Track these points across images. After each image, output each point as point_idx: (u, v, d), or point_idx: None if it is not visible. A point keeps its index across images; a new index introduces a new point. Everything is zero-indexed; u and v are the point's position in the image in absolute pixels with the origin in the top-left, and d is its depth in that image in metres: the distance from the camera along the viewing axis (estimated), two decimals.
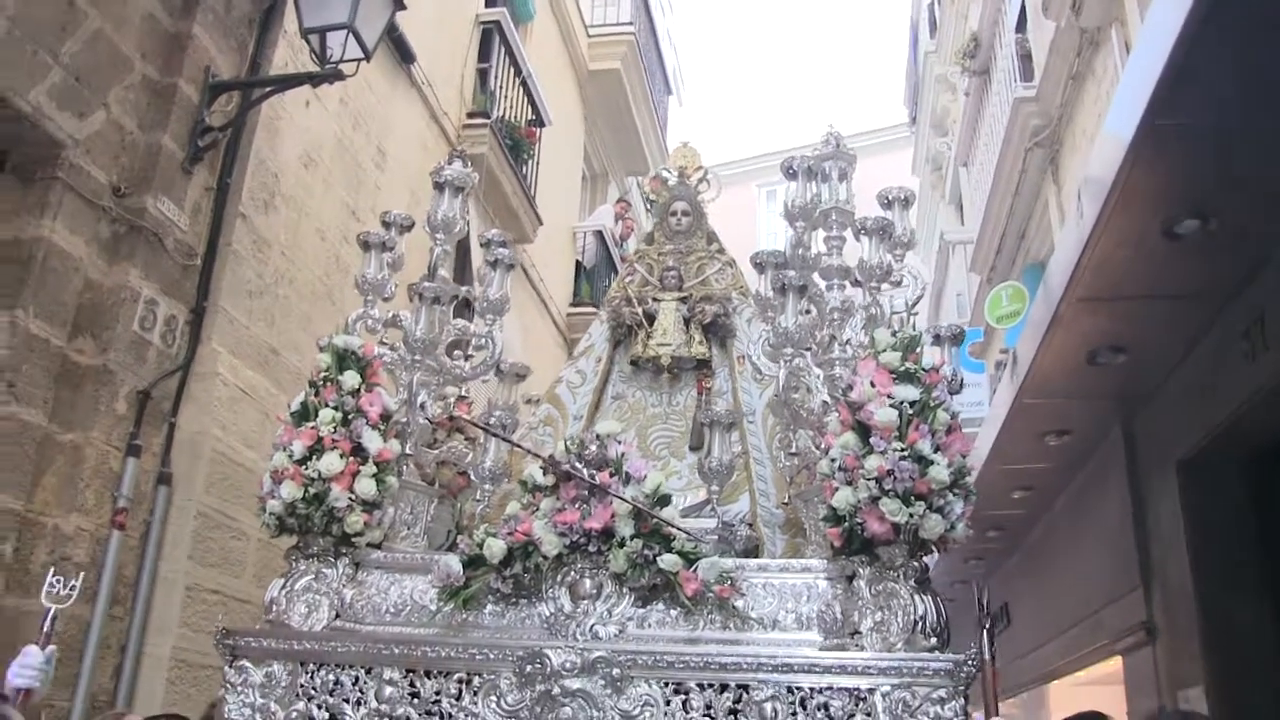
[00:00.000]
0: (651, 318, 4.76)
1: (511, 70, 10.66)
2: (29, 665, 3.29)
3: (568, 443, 3.67)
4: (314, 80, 5.94)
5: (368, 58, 6.05)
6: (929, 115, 19.03)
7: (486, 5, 10.84)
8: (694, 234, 5.07)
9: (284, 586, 3.64)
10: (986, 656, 3.12)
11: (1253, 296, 4.90)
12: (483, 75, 10.16)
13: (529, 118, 11.04)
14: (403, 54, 8.15)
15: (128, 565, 5.07)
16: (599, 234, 13.86)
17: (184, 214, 5.59)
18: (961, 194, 15.73)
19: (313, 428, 3.61)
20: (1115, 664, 8.05)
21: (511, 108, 10.57)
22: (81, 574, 3.66)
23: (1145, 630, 6.93)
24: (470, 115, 9.70)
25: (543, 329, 11.80)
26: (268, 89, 6.09)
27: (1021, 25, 11.34)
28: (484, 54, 10.22)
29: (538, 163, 11.23)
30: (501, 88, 10.33)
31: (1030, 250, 11.57)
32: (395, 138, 8.07)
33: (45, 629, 3.39)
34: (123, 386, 5.12)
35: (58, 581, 3.49)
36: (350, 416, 3.64)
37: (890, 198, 4.03)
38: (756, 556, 3.91)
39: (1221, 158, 4.07)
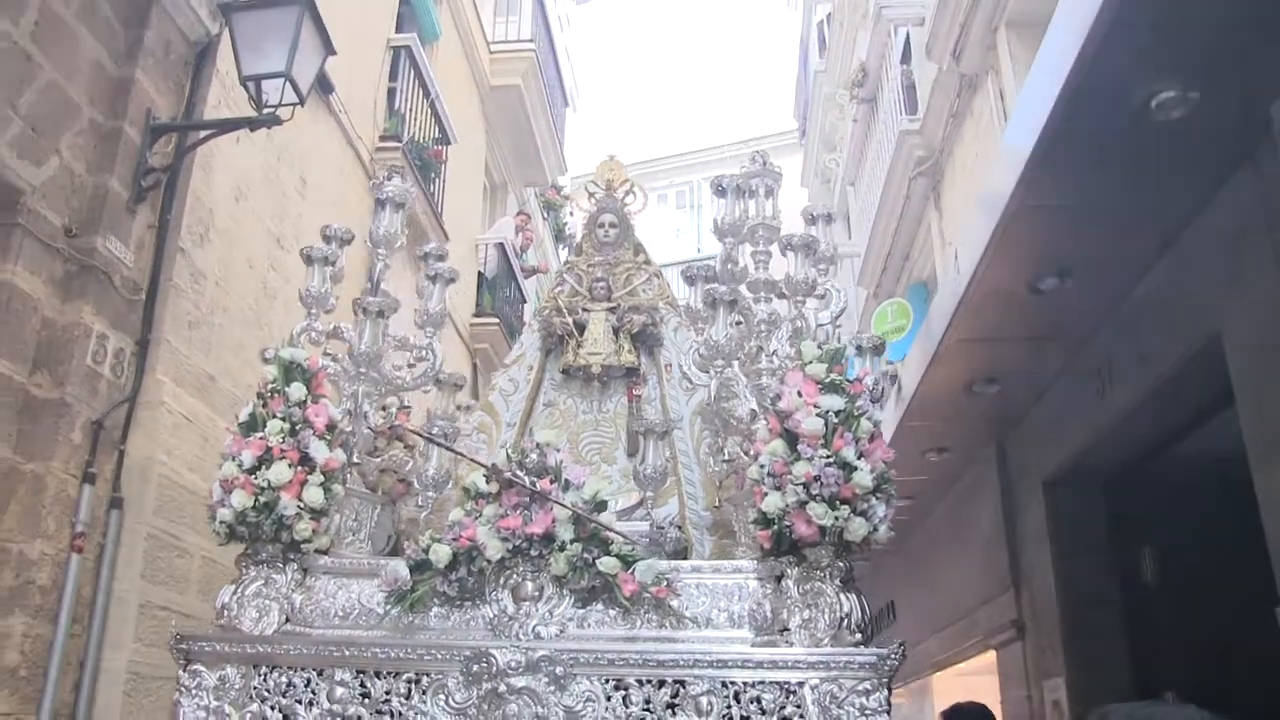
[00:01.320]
0: (582, 327, 4.89)
1: (420, 91, 10.87)
2: None
3: (509, 451, 3.81)
4: (252, 125, 6.18)
5: (302, 103, 6.31)
6: (818, 131, 19.51)
7: (397, 30, 11.09)
8: (621, 245, 5.20)
9: (235, 592, 3.72)
10: None
11: (1102, 342, 5.64)
12: (391, 94, 10.34)
13: (435, 136, 11.26)
14: (323, 85, 8.40)
15: (85, 585, 5.32)
16: (500, 246, 14.06)
17: (130, 251, 5.75)
18: (849, 209, 16.27)
19: (261, 438, 3.69)
20: (990, 657, 8.77)
21: (420, 128, 10.78)
22: None
23: (1015, 628, 7.73)
24: (383, 138, 9.85)
25: (448, 340, 12.09)
26: (207, 133, 6.36)
27: (907, 58, 11.89)
28: (393, 74, 10.43)
29: (444, 180, 11.46)
30: (410, 109, 10.52)
31: (914, 270, 12.23)
32: (315, 165, 8.29)
33: None
34: (78, 417, 5.33)
35: None
36: (297, 427, 3.74)
37: (814, 214, 4.26)
38: (685, 557, 4.08)
39: (1080, 229, 4.71)
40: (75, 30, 5.56)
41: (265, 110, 6.12)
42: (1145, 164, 4.22)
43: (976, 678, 9.64)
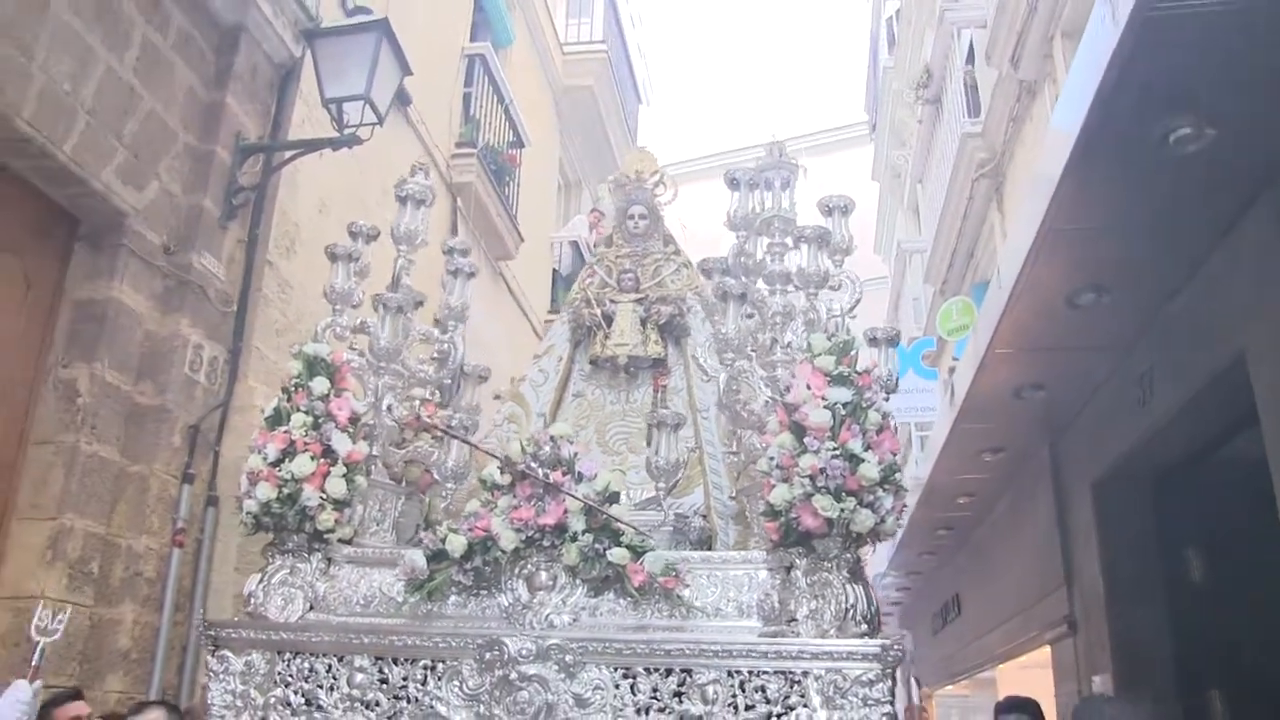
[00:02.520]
0: (610, 318, 4.93)
1: (494, 97, 11.22)
2: (19, 700, 3.48)
3: (524, 443, 3.84)
4: (334, 145, 6.59)
5: (381, 123, 6.72)
6: (888, 125, 19.52)
7: (471, 37, 11.43)
8: (651, 236, 5.22)
9: (261, 581, 3.82)
10: (915, 701, 3.60)
11: (1142, 351, 5.80)
12: (466, 100, 10.72)
13: (509, 139, 11.61)
14: (400, 98, 8.78)
15: (185, 577, 5.79)
16: (574, 244, 14.32)
17: (222, 265, 6.28)
18: (919, 205, 16.37)
19: (285, 431, 3.79)
20: (1047, 651, 8.96)
21: (494, 132, 11.14)
22: (69, 609, 4.17)
23: (1068, 624, 7.92)
24: (458, 145, 10.30)
25: (524, 335, 12.37)
26: (292, 153, 6.77)
27: (971, 59, 11.98)
28: (467, 80, 10.80)
29: (518, 183, 11.81)
30: (485, 115, 10.90)
31: (979, 269, 12.32)
32: (394, 175, 8.70)
33: (35, 663, 3.57)
34: (178, 422, 5.81)
35: (46, 616, 3.67)
36: (320, 420, 3.82)
37: (830, 206, 4.20)
38: (710, 546, 4.14)
39: (1111, 249, 4.92)
40: (171, 60, 6.02)
41: (346, 130, 6.49)
42: (1167, 193, 4.38)
43: (1039, 670, 9.62)
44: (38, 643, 3.62)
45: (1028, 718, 5.92)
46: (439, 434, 4.30)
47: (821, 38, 50.45)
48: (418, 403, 4.54)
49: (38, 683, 3.56)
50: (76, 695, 4.31)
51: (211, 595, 5.87)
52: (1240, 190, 4.41)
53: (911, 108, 15.80)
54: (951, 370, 11.61)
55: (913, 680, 3.55)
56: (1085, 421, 7.15)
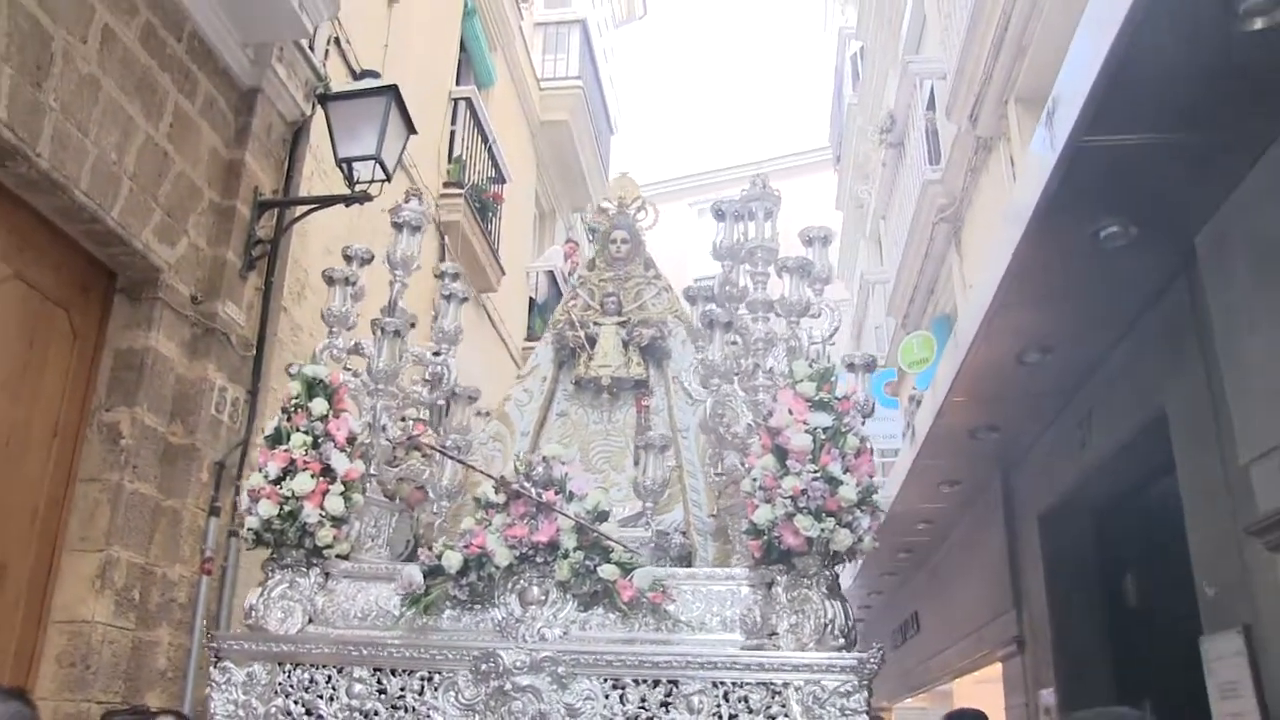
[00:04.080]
0: (593, 340, 5.06)
1: (479, 137, 11.70)
2: None
3: (516, 464, 4.00)
4: (347, 201, 7.04)
5: (388, 179, 7.25)
6: (852, 159, 20.09)
7: (457, 78, 11.89)
8: (633, 260, 5.35)
9: (261, 594, 3.94)
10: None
11: (1082, 402, 6.52)
12: (450, 138, 11.20)
13: (491, 176, 12.07)
14: None
15: (213, 602, 6.18)
16: (550, 273, 14.84)
17: (242, 313, 6.70)
18: (881, 239, 16.96)
19: (286, 450, 3.91)
20: (998, 667, 9.64)
21: (478, 170, 11.59)
22: None
23: (1017, 643, 8.66)
24: (446, 185, 10.73)
25: (503, 361, 12.61)
26: (307, 208, 7.26)
27: (932, 104, 12.53)
28: (453, 119, 11.30)
29: (500, 217, 12.27)
30: (470, 154, 11.37)
31: (939, 304, 12.95)
32: (388, 216, 9.27)
33: None
34: (205, 459, 6.24)
35: None
36: (319, 440, 3.94)
37: (811, 236, 4.38)
38: (689, 562, 4.26)
39: (1055, 318, 5.59)
40: (198, 124, 6.49)
41: (357, 187, 6.98)
42: (1099, 276, 5.11)
43: (992, 684, 10.42)
44: None
45: None
46: (435, 454, 4.42)
47: (787, 64, 51.49)
48: (409, 423, 4.67)
49: None
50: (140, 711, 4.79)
51: (235, 618, 6.28)
52: (1158, 275, 5.17)
53: (875, 145, 16.37)
54: (911, 399, 12.27)
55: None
56: (1033, 459, 7.87)
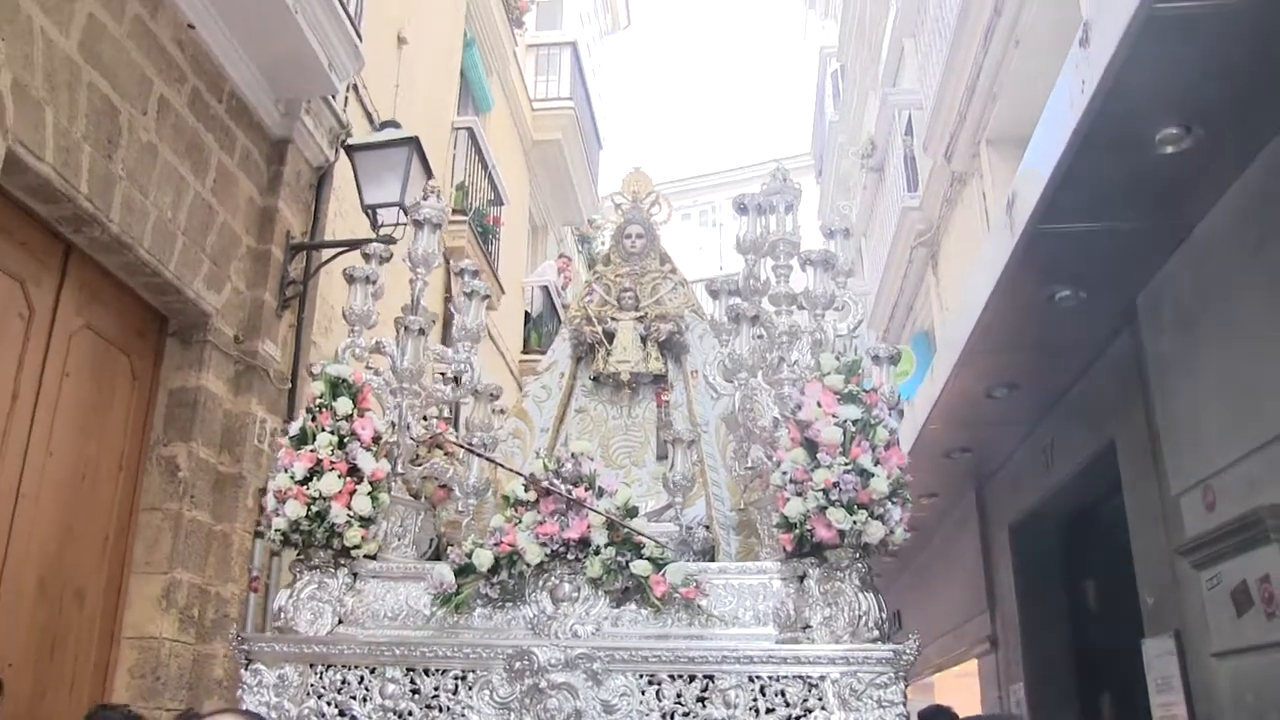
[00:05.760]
0: (610, 336, 5.00)
1: (479, 164, 12.21)
2: None
3: (546, 461, 3.95)
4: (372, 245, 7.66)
5: (410, 223, 7.84)
6: (833, 174, 20.64)
7: (459, 105, 12.45)
8: (648, 255, 5.30)
9: (290, 596, 3.90)
10: None
11: (1045, 429, 7.32)
12: (452, 162, 11.70)
13: (490, 199, 12.59)
14: None
15: (258, 617, 6.68)
16: (544, 288, 15.31)
17: (278, 349, 7.23)
18: (863, 254, 17.51)
19: (312, 451, 3.86)
20: (974, 663, 10.38)
21: (478, 194, 12.08)
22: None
23: (990, 642, 9.40)
24: (452, 212, 11.30)
25: (501, 375, 13.03)
26: (334, 251, 7.79)
27: (910, 129, 13.16)
28: (453, 146, 11.83)
29: (499, 239, 12.79)
30: (471, 180, 11.87)
31: (917, 321, 13.74)
32: (401, 246, 9.82)
33: None
34: (250, 486, 6.70)
35: None
36: (345, 440, 3.89)
37: (832, 229, 4.37)
38: (713, 556, 4.25)
39: (1018, 359, 6.32)
40: (237, 176, 7.02)
41: (382, 231, 7.51)
42: (1052, 331, 5.98)
43: (971, 678, 11.45)
44: None
45: None
46: (459, 452, 4.41)
47: (768, 70, 52.14)
48: (433, 421, 4.64)
49: None
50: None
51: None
52: (1105, 328, 5.95)
53: (855, 164, 16.94)
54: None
55: None
56: (1004, 476, 8.66)
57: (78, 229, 5.51)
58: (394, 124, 8.44)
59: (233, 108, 6.93)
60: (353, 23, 7.60)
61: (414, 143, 7.79)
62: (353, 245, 7.70)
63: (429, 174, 8.17)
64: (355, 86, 8.81)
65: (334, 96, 7.97)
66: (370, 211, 7.59)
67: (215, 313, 6.66)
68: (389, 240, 7.39)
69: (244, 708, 3.69)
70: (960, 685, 12.00)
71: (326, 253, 7.73)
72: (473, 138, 12.08)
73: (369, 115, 9.05)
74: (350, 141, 8.12)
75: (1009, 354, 6.19)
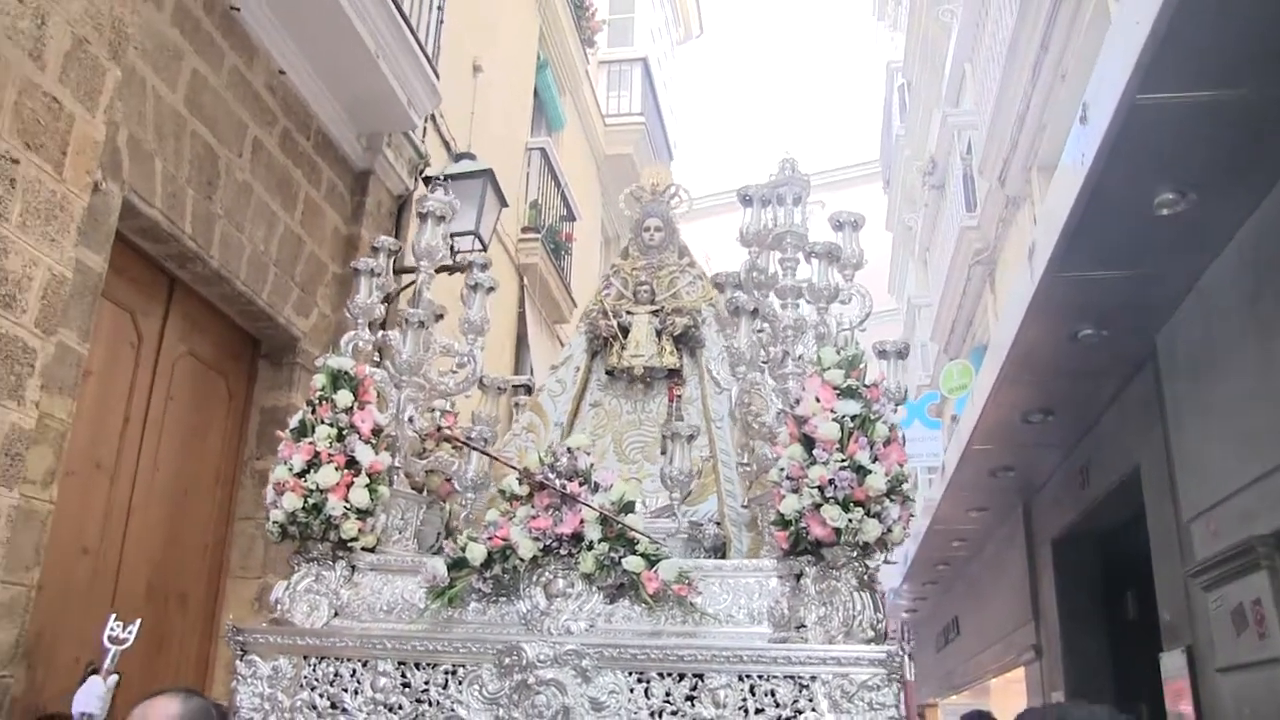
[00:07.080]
0: (626, 329, 4.93)
1: (552, 182, 12.73)
2: (93, 694, 3.68)
3: (541, 455, 3.86)
4: (450, 271, 7.96)
5: (485, 248, 8.34)
6: (900, 187, 21.09)
7: (532, 131, 12.94)
8: (666, 248, 5.21)
9: (287, 588, 3.86)
10: (910, 677, 3.40)
11: (1080, 453, 7.69)
12: (525, 180, 12.19)
13: (562, 215, 13.08)
14: None
15: None
16: None
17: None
18: (928, 265, 17.91)
19: (310, 443, 3.83)
20: (1022, 670, 10.78)
21: (551, 211, 12.56)
22: (139, 620, 4.18)
23: (1035, 650, 9.79)
24: (524, 230, 11.77)
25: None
26: (411, 278, 8.33)
27: (970, 148, 13.53)
28: (527, 163, 12.35)
29: (570, 254, 13.34)
30: (544, 198, 12.40)
31: (976, 336, 14.14)
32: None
33: (107, 665, 3.81)
34: None
35: (117, 626, 3.91)
36: (344, 432, 3.86)
37: (840, 220, 4.23)
38: (724, 553, 4.15)
39: (1050, 389, 6.74)
40: (323, 208, 7.63)
41: (458, 257, 8.02)
42: (1079, 364, 6.37)
43: (1023, 684, 11.58)
44: (110, 649, 3.88)
45: None
46: (459, 445, 4.35)
47: (838, 76, 52.18)
48: (438, 414, 4.59)
49: (112, 678, 3.82)
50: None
51: None
52: (1127, 364, 6.38)
53: (919, 179, 17.20)
54: (954, 419, 13.31)
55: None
56: (1046, 493, 9.11)
57: (182, 265, 6.09)
58: (469, 155, 8.99)
59: (319, 144, 7.51)
60: (430, 62, 8.15)
61: (488, 175, 8.32)
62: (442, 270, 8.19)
63: (503, 203, 8.69)
64: (433, 117, 9.33)
65: (413, 130, 8.50)
66: (448, 239, 8.07)
67: (304, 336, 7.24)
68: (464, 266, 7.83)
69: (185, 688, 3.79)
70: (1013, 690, 12.47)
71: (407, 283, 8.26)
72: (545, 157, 12.56)
73: (446, 144, 9.63)
74: (428, 172, 8.64)
75: (1040, 384, 6.70)
